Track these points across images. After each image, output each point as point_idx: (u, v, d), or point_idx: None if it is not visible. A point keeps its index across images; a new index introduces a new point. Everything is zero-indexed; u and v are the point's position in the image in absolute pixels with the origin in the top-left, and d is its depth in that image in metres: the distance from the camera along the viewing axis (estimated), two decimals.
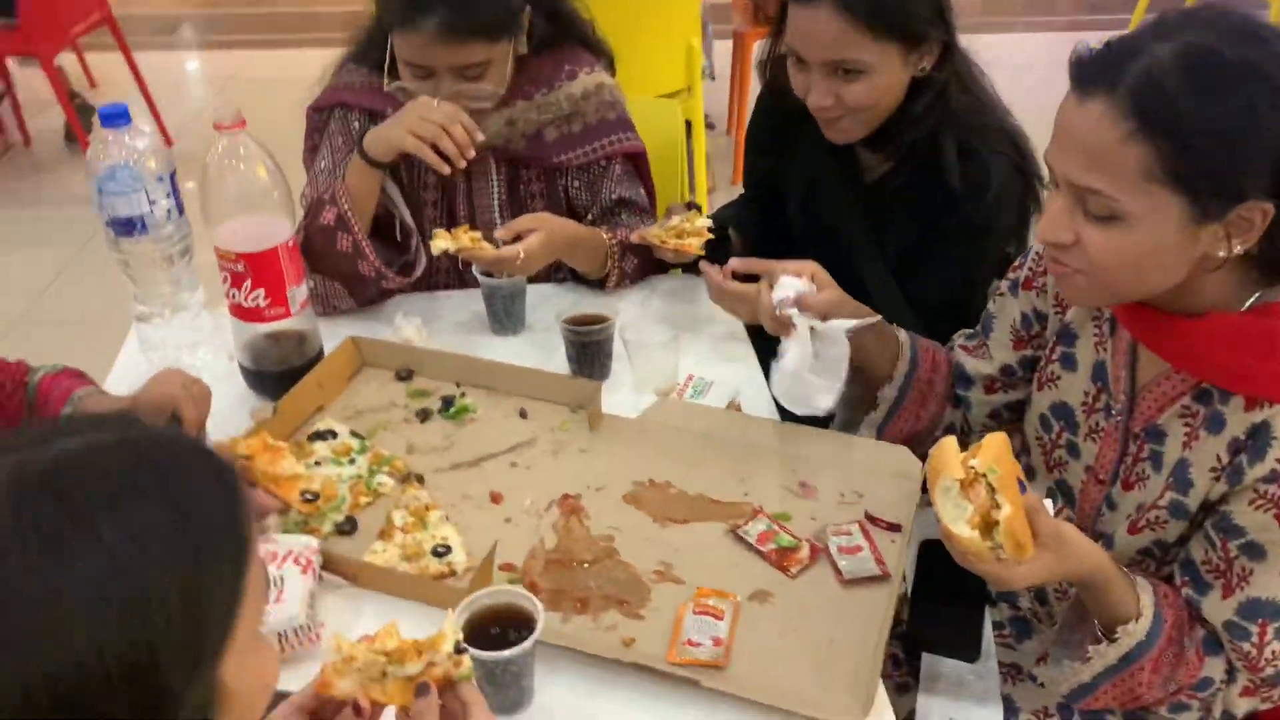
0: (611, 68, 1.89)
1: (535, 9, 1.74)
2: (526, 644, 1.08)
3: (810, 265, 1.46)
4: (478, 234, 1.64)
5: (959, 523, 1.09)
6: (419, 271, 1.76)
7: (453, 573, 1.29)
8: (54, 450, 0.69)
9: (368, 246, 1.69)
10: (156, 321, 1.64)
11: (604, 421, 1.54)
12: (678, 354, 1.61)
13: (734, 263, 1.55)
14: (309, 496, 1.31)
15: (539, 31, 1.76)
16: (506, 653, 1.07)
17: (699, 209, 1.80)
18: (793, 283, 1.43)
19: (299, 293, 1.53)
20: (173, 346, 1.66)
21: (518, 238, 1.65)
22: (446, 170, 1.64)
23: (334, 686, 0.95)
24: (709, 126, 4.61)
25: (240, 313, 1.52)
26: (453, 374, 1.62)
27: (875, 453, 1.46)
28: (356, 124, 1.78)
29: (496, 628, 1.12)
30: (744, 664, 1.17)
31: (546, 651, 1.17)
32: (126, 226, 1.54)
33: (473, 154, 1.64)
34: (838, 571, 1.28)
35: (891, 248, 1.71)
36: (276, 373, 1.57)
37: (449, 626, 0.97)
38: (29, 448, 0.70)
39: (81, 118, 4.35)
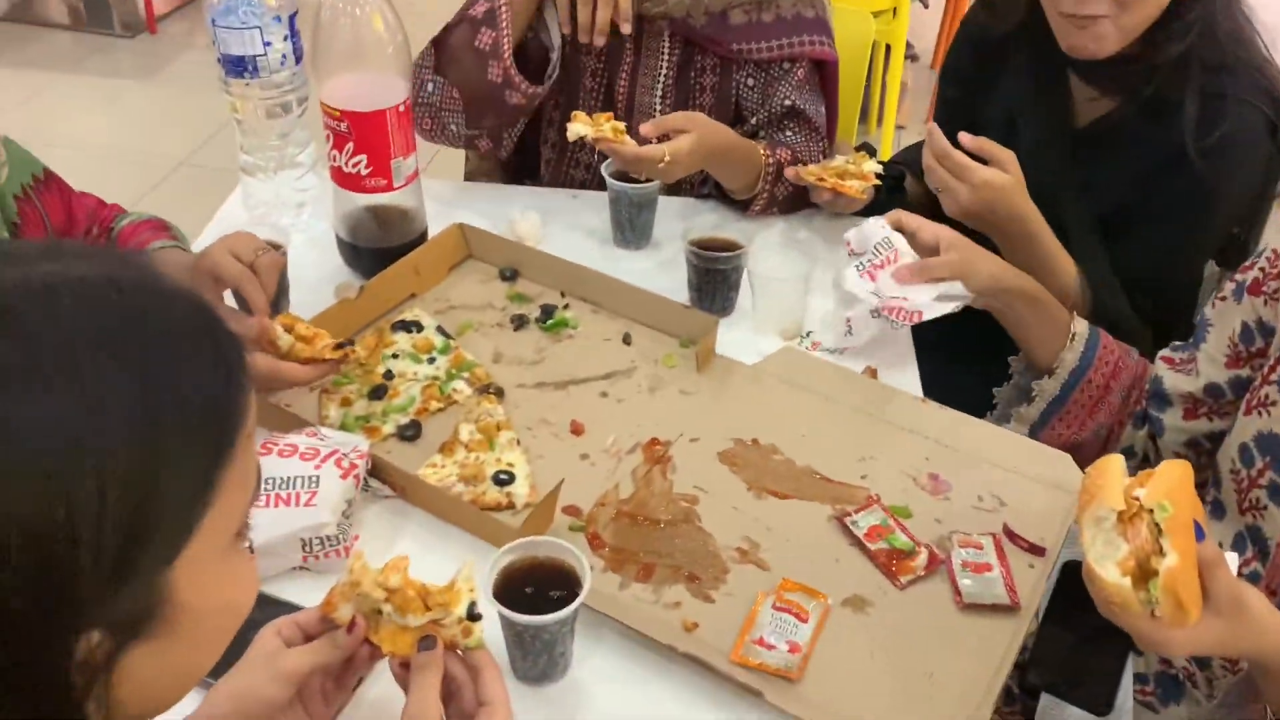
0: None
1: None
2: (563, 613, 0.91)
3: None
4: (621, 126, 1.44)
5: (1107, 563, 0.86)
6: (547, 83, 1.58)
7: (510, 505, 1.13)
8: (20, 273, 0.55)
9: (508, 46, 1.52)
10: (261, 176, 1.52)
11: (714, 363, 1.34)
12: (807, 294, 1.39)
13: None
14: (340, 344, 1.17)
15: None
16: (539, 618, 0.91)
17: (872, 152, 1.55)
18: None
19: (405, 165, 1.38)
20: (274, 205, 1.55)
21: (665, 138, 1.44)
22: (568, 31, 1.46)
23: (336, 610, 0.81)
24: (910, 57, 4.24)
25: (340, 178, 1.38)
26: (560, 281, 1.45)
27: (1030, 455, 1.22)
28: None
29: (533, 585, 0.95)
30: (820, 682, 0.97)
31: (592, 615, 1.00)
32: (237, 66, 1.41)
33: (602, 40, 1.44)
34: (957, 591, 1.06)
35: (1097, 206, 1.43)
36: (372, 250, 1.43)
37: (463, 582, 0.81)
38: None
39: None
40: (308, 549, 1.04)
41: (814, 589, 1.05)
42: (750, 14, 1.59)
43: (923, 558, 1.09)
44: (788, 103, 1.63)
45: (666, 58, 1.63)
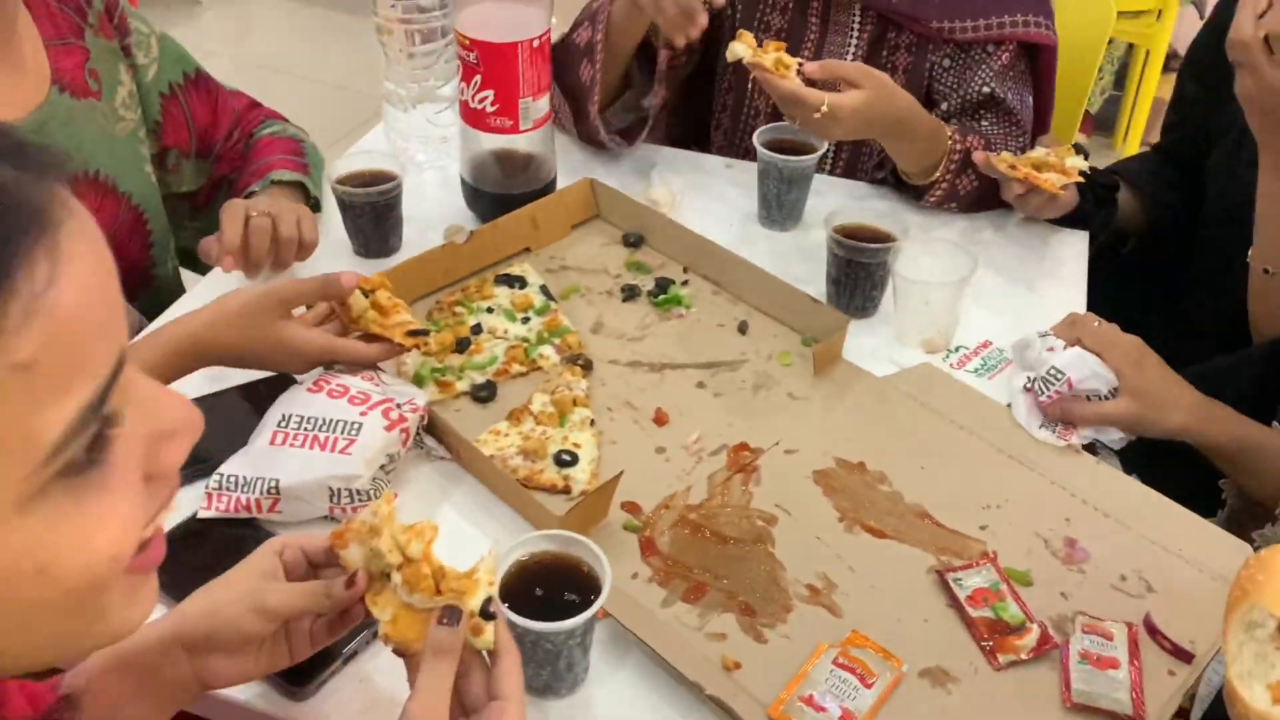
0: None
1: None
2: (568, 624, 0.78)
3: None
4: (792, 61, 1.25)
5: (1255, 683, 0.66)
6: (639, 139, 1.44)
7: (566, 489, 1.01)
8: None
9: (598, 91, 1.40)
10: (401, 107, 1.46)
11: (838, 368, 1.17)
12: (958, 301, 1.19)
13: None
14: (416, 331, 1.06)
15: None
16: (540, 625, 0.78)
17: (1083, 153, 1.33)
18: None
19: (535, 107, 1.27)
20: (412, 138, 1.48)
21: (836, 89, 1.27)
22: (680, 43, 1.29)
23: (346, 548, 0.71)
24: (1174, 69, 3.80)
25: (466, 114, 1.29)
26: (684, 254, 1.31)
27: (1200, 536, 0.99)
28: None
29: (545, 587, 0.83)
30: None
31: (624, 629, 0.87)
32: None
33: (695, 33, 1.26)
34: (1067, 685, 0.86)
35: None
36: (492, 195, 1.34)
37: (484, 573, 0.69)
38: None
39: None
40: (335, 499, 0.95)
41: (889, 650, 0.87)
42: None
43: (1033, 636, 0.89)
44: (986, 89, 1.41)
45: (857, 34, 1.45)
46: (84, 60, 1.20)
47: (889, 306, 1.25)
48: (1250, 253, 1.20)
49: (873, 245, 1.19)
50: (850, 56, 1.46)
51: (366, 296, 1.05)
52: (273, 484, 0.95)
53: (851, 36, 1.45)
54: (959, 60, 1.43)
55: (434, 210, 1.40)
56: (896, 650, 0.88)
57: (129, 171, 1.26)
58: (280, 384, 1.06)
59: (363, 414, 0.98)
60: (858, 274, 1.21)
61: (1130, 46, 3.27)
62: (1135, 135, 3.32)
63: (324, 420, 0.97)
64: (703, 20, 1.24)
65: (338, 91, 3.62)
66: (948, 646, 0.89)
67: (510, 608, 0.79)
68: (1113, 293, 1.36)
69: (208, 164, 1.38)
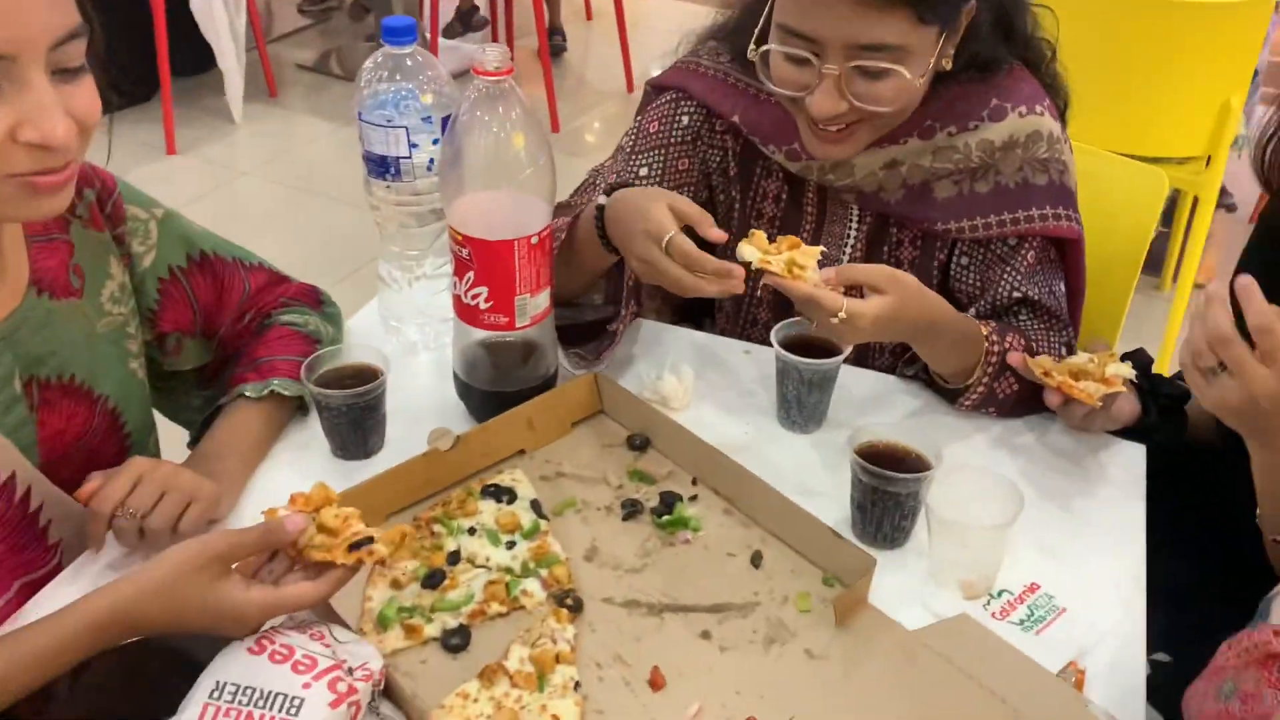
0: (1062, 110, 1.32)
1: (983, 9, 1.21)
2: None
3: None
4: (812, 254, 1.14)
5: None
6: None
7: None
8: None
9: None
10: (394, 287, 1.37)
11: (861, 616, 1.02)
12: (1002, 544, 1.04)
13: None
14: (356, 544, 0.91)
15: (975, 46, 1.23)
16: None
17: (1143, 361, 1.20)
18: None
19: (534, 303, 1.16)
20: (407, 320, 1.38)
21: (856, 291, 1.15)
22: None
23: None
24: (1226, 207, 3.68)
25: (459, 309, 1.18)
26: (693, 463, 1.18)
27: None
28: (685, 118, 1.37)
29: None
30: None
31: None
32: (379, 167, 1.26)
33: (738, 287, 1.12)
34: None
35: None
36: (484, 392, 1.23)
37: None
38: None
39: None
40: None
41: None
42: (961, 184, 1.28)
43: None
44: (1016, 293, 1.29)
45: (853, 230, 1.34)
46: (68, 257, 1.11)
47: (921, 535, 1.11)
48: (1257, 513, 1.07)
49: (902, 476, 1.05)
50: (849, 248, 1.35)
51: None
52: None
53: (850, 227, 1.34)
54: (978, 258, 1.32)
55: (425, 400, 1.29)
56: None
57: (107, 370, 1.16)
58: None
59: (305, 685, 0.85)
60: (885, 503, 1.08)
61: (1176, 191, 3.15)
62: (1188, 275, 3.18)
63: (262, 694, 0.84)
64: (739, 274, 1.12)
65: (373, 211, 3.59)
66: None
67: None
68: (1176, 510, 1.21)
69: (213, 343, 1.29)
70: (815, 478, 1.19)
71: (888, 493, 1.07)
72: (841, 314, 1.10)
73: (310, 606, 0.92)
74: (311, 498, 0.94)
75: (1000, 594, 1.06)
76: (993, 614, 1.04)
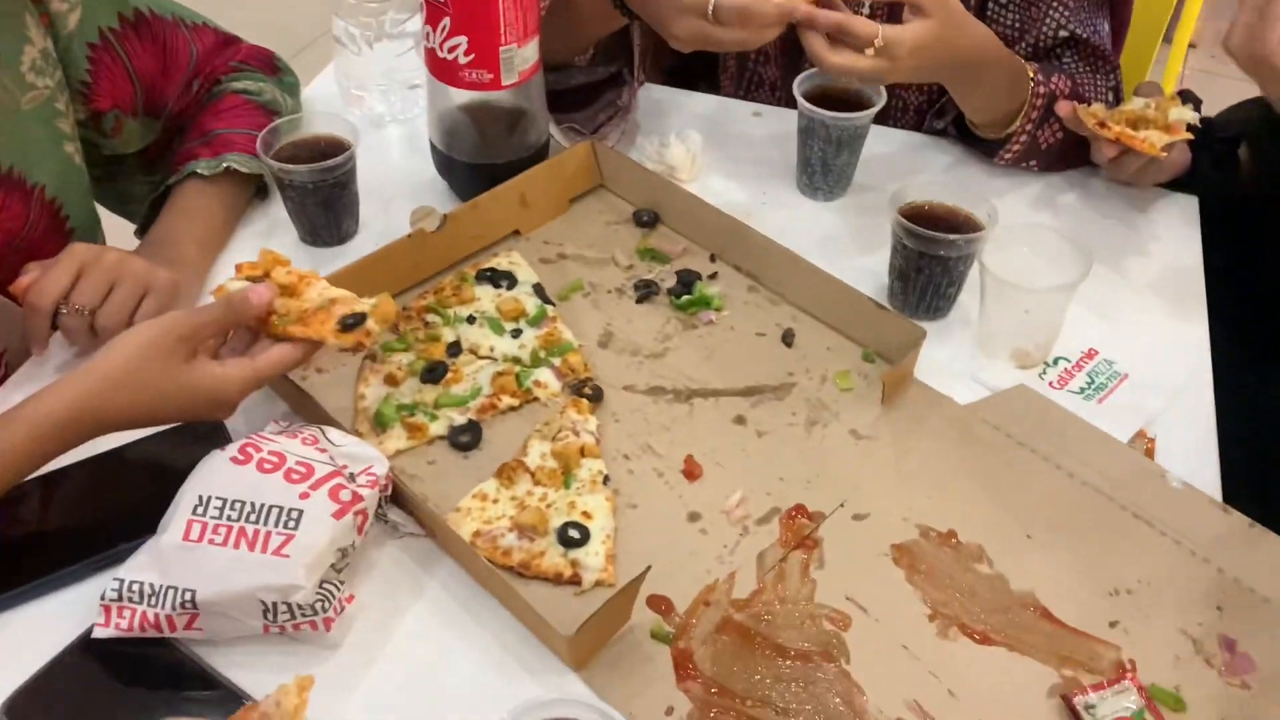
0: None
1: None
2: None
3: None
4: None
5: None
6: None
7: (575, 579, 0.78)
8: None
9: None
10: (353, 49, 1.18)
11: (908, 393, 0.93)
12: (1065, 309, 0.94)
13: None
14: (350, 321, 0.79)
15: None
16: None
17: (1193, 101, 1.07)
18: None
19: (521, 56, 1.00)
20: (370, 86, 1.21)
21: (894, 10, 1.00)
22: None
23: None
24: None
25: (433, 65, 1.01)
26: (711, 237, 1.06)
27: None
28: None
29: None
30: None
31: None
32: None
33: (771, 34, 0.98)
34: None
35: None
36: (468, 165, 1.08)
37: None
38: None
39: None
40: (270, 616, 0.72)
41: None
42: None
43: None
44: (1064, 33, 1.14)
45: None
46: None
47: (966, 304, 1.00)
48: None
49: (955, 237, 0.94)
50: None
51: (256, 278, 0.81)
52: (188, 595, 0.71)
53: None
54: None
55: (399, 178, 1.14)
56: None
57: (40, 155, 0.98)
58: (197, 435, 0.82)
59: (304, 495, 0.74)
60: (933, 270, 0.96)
61: None
62: (1183, 34, 3.00)
63: (253, 507, 0.74)
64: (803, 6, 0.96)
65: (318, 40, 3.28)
66: None
67: None
68: (1231, 262, 1.12)
69: (158, 121, 1.11)
70: (844, 250, 1.08)
71: (937, 258, 0.95)
72: (878, 41, 0.95)
73: (290, 369, 0.80)
74: (259, 263, 0.80)
75: (1056, 362, 0.97)
76: (1050, 383, 0.95)
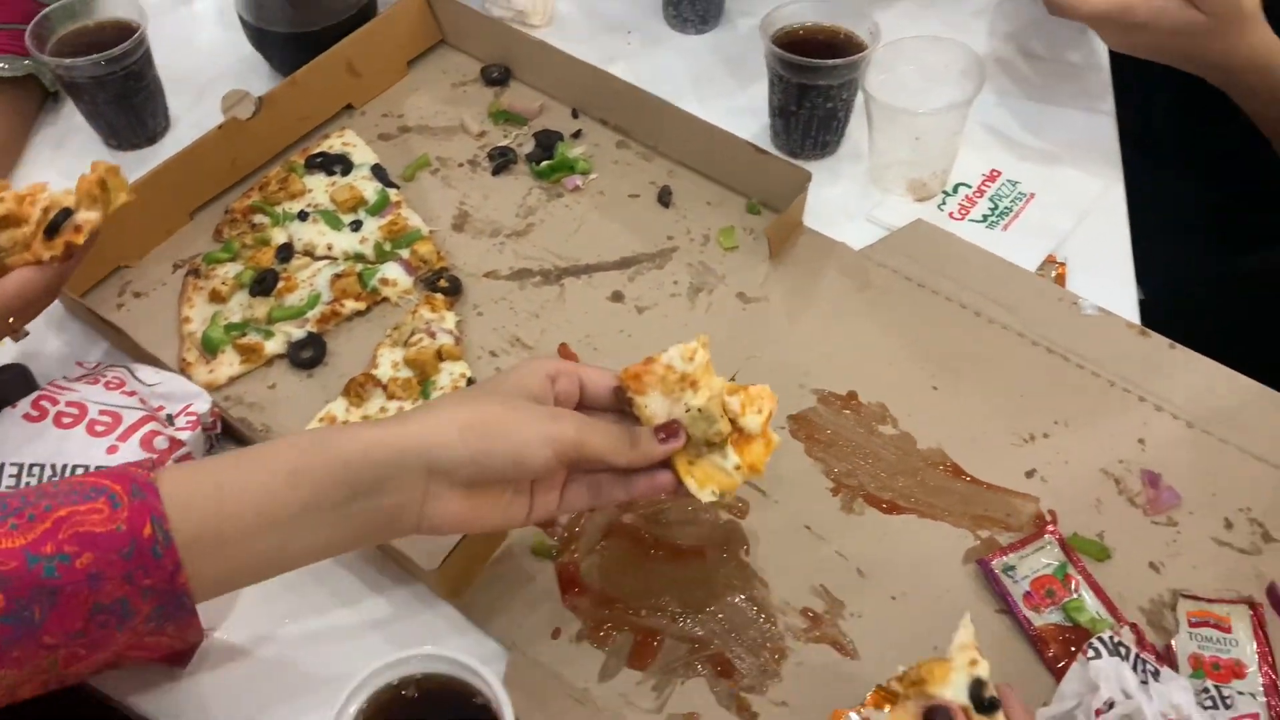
0: None
1: None
2: None
3: None
4: None
5: None
6: None
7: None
8: None
9: None
10: None
11: (798, 243, 0.84)
12: (960, 130, 0.85)
13: None
14: (55, 222, 0.65)
15: None
16: None
17: None
18: None
19: None
20: None
21: None
22: None
23: (644, 394, 0.57)
24: None
25: None
26: (572, 91, 0.94)
27: None
28: None
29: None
30: None
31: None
32: None
33: None
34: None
35: None
36: (283, 35, 0.94)
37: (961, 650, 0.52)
38: None
39: None
40: None
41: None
42: None
43: (1128, 637, 0.63)
44: None
45: None
46: None
47: (856, 137, 0.91)
48: None
49: (833, 62, 0.83)
50: None
51: None
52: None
53: None
54: None
55: (209, 61, 1.00)
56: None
57: None
58: None
59: (111, 450, 0.65)
60: (815, 101, 0.86)
61: None
62: None
63: (54, 469, 0.64)
64: None
65: None
66: (1011, 675, 0.62)
67: None
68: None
69: None
70: (720, 89, 0.97)
71: (817, 88, 0.85)
72: None
73: (40, 296, 0.66)
74: None
75: (956, 189, 0.88)
76: (950, 214, 0.87)
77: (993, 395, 0.75)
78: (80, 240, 0.65)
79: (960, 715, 0.50)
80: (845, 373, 0.76)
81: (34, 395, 0.67)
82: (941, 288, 0.81)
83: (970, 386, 0.76)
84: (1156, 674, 0.58)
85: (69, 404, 0.66)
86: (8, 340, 0.69)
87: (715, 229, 0.85)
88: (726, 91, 0.96)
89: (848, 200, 0.88)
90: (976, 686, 0.50)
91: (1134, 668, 0.58)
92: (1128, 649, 0.59)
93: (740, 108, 0.93)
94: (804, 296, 0.81)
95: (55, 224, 0.65)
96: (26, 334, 0.69)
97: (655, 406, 0.57)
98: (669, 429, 0.57)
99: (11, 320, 0.66)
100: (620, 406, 0.59)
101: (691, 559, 0.68)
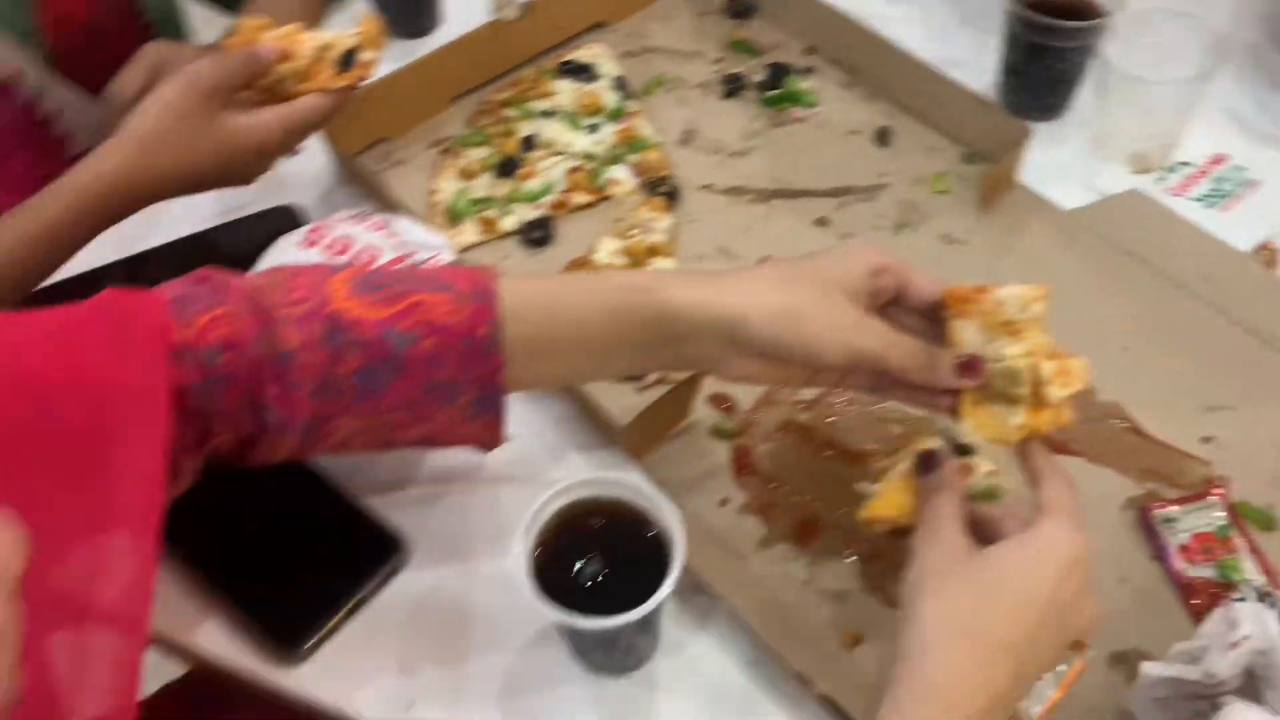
0: None
1: None
2: (619, 620, 0.57)
3: None
4: None
5: None
6: None
7: (638, 376, 0.77)
8: None
9: None
10: None
11: (1009, 197, 0.87)
12: (1193, 105, 0.85)
13: None
14: (345, 60, 0.77)
15: None
16: (585, 623, 0.57)
17: None
18: None
19: None
20: None
21: None
22: None
23: (961, 319, 0.58)
24: None
25: None
26: (809, 29, 0.99)
27: None
28: None
29: (599, 544, 0.61)
30: None
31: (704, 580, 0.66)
32: None
33: None
34: None
35: None
36: None
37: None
38: None
39: None
40: None
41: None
42: None
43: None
44: None
45: None
46: None
47: (1081, 104, 0.92)
48: None
49: (1073, 24, 0.85)
50: None
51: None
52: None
53: None
54: None
55: None
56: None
57: None
58: (266, 220, 0.83)
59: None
60: (1048, 61, 0.88)
61: None
62: None
63: None
64: None
65: None
66: (1151, 620, 0.65)
67: (549, 580, 0.58)
68: None
69: None
70: (955, 43, 0.99)
71: (1051, 48, 0.87)
72: None
73: (323, 118, 0.78)
74: (240, 34, 0.78)
75: (1178, 166, 0.88)
76: (1169, 189, 0.87)
77: (1183, 364, 0.76)
78: (369, 74, 0.77)
79: (948, 456, 0.57)
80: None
81: (308, 227, 0.78)
82: (1147, 256, 0.82)
83: (1161, 353, 0.77)
84: None
85: (337, 238, 0.77)
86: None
87: (930, 173, 0.88)
88: (957, 43, 0.99)
89: (1066, 165, 0.89)
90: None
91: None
92: (1276, 601, 0.60)
93: (969, 63, 0.95)
94: (1007, 246, 0.84)
95: (349, 59, 0.77)
96: (298, 152, 0.81)
97: (969, 336, 0.57)
98: (972, 367, 0.57)
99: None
100: (932, 318, 0.59)
101: (859, 463, 0.72)
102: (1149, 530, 0.68)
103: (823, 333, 0.57)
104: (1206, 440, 0.72)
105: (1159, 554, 0.67)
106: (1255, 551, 0.66)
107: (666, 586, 0.57)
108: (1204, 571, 0.66)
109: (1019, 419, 0.56)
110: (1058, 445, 0.72)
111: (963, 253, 0.83)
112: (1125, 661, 0.64)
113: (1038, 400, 0.56)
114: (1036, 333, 0.56)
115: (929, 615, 0.52)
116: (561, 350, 0.59)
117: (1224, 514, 0.68)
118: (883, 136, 0.91)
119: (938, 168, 0.89)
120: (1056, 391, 0.56)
